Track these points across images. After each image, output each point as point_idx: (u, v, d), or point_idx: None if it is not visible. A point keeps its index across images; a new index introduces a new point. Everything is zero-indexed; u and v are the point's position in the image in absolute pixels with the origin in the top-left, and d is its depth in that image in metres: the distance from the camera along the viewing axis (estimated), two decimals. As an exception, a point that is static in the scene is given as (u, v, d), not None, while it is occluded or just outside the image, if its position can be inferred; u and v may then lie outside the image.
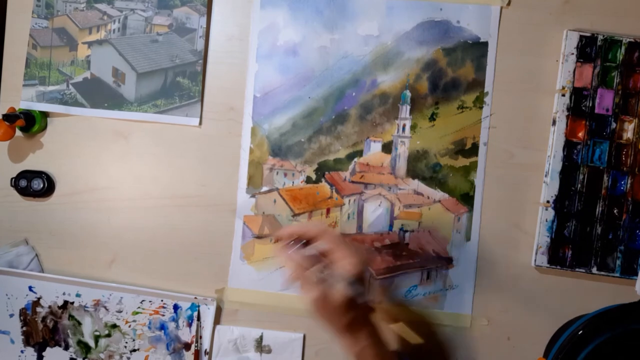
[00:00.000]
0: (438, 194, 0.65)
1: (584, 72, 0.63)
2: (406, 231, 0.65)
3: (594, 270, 0.62)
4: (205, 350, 0.65)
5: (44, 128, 0.68)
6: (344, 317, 0.50)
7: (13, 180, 0.67)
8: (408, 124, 0.65)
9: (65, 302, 0.67)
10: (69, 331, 0.67)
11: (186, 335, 0.66)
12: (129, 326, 0.66)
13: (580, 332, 0.56)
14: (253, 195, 0.66)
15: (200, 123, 0.66)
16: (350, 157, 0.65)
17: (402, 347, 0.61)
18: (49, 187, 0.67)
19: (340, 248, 0.51)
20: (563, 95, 0.63)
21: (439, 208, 0.65)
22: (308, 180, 0.66)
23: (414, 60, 0.65)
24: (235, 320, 0.66)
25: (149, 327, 0.66)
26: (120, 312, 0.66)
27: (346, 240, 0.52)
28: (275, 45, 0.66)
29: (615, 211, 0.62)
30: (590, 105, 0.62)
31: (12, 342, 0.67)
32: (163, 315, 0.66)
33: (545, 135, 0.64)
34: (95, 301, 0.66)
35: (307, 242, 0.53)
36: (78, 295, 0.66)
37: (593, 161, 0.63)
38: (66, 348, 0.67)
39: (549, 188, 0.63)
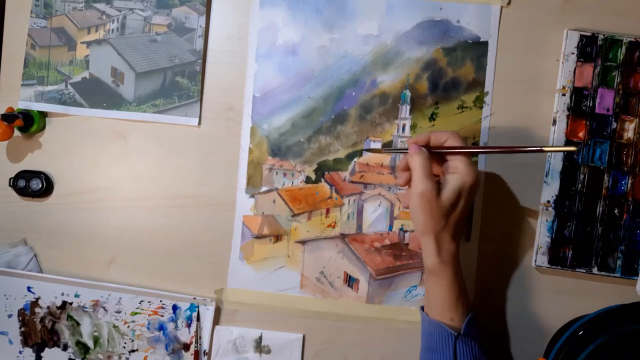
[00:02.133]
0: (438, 194, 0.64)
1: (584, 71, 0.62)
2: (406, 231, 0.65)
3: (595, 270, 0.62)
4: (205, 350, 0.65)
5: (42, 128, 0.67)
6: (438, 221, 0.52)
7: (11, 180, 0.67)
8: (408, 123, 0.65)
9: (64, 303, 0.66)
10: (67, 332, 0.67)
11: (185, 335, 0.65)
12: (128, 327, 0.66)
13: (581, 332, 0.56)
14: (252, 196, 0.66)
15: (200, 123, 0.66)
16: (350, 157, 0.65)
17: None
18: (48, 187, 0.67)
19: (464, 157, 0.53)
20: (563, 94, 0.62)
21: (439, 208, 0.64)
22: (307, 180, 0.65)
23: (414, 59, 0.64)
24: (235, 321, 0.66)
25: (148, 328, 0.66)
26: (119, 312, 0.66)
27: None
28: (275, 45, 0.66)
29: (615, 211, 0.62)
30: (591, 105, 0.62)
31: (11, 342, 0.67)
32: (162, 316, 0.66)
33: (545, 135, 0.64)
34: (94, 302, 0.66)
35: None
36: (77, 296, 0.66)
37: (593, 161, 0.62)
38: (65, 349, 0.67)
39: (549, 188, 0.62)
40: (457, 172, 0.53)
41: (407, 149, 0.56)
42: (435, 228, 0.53)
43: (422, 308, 0.57)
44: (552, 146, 0.51)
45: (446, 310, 0.54)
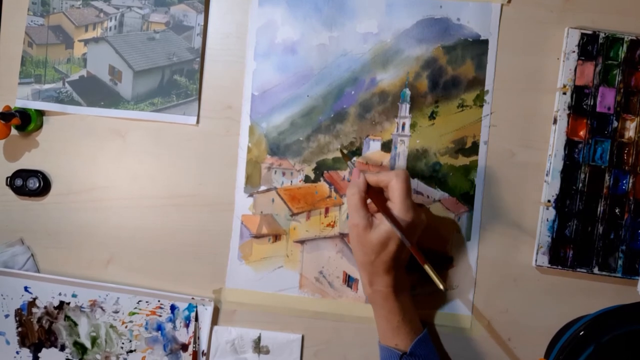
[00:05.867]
0: (438, 193, 0.64)
1: (585, 70, 0.62)
2: (406, 231, 0.64)
3: (596, 270, 0.62)
4: (203, 351, 0.65)
5: (39, 127, 0.67)
6: (368, 255, 0.55)
7: (8, 179, 0.66)
8: (408, 122, 0.64)
9: (61, 303, 0.66)
10: (65, 332, 0.66)
11: (183, 336, 0.65)
12: (126, 327, 0.66)
13: (582, 332, 0.56)
14: (251, 195, 0.65)
15: (198, 122, 0.66)
16: (350, 155, 0.65)
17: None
18: (45, 187, 0.66)
19: (401, 193, 0.54)
20: (564, 93, 0.62)
21: (439, 207, 0.64)
22: (306, 179, 0.65)
23: (414, 58, 0.64)
24: (233, 321, 0.65)
25: (146, 328, 0.65)
26: (116, 312, 0.66)
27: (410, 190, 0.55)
28: (274, 43, 0.65)
29: (616, 211, 0.62)
30: (592, 103, 0.62)
31: (8, 343, 0.67)
32: (160, 316, 0.65)
33: (546, 134, 0.63)
34: (91, 302, 0.66)
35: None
36: (74, 296, 0.66)
37: (594, 160, 0.62)
38: (62, 349, 0.66)
39: (550, 187, 0.62)
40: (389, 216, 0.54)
41: (350, 159, 0.61)
42: (365, 260, 0.55)
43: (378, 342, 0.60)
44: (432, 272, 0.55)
45: (389, 337, 0.57)
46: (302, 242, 0.65)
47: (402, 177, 0.54)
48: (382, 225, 0.54)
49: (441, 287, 0.53)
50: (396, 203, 0.54)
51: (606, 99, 0.62)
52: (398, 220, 0.53)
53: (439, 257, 0.64)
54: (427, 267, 0.54)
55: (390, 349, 0.56)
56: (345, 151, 0.64)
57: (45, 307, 0.66)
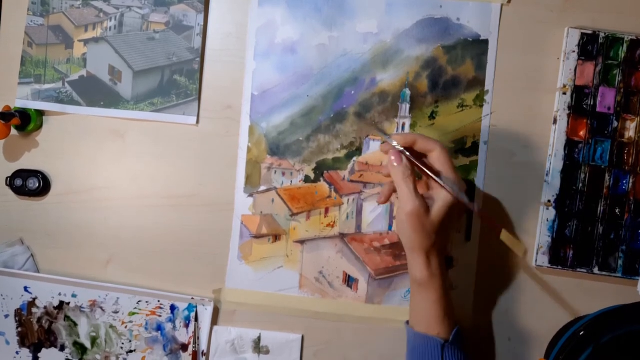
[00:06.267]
0: (438, 193, 0.64)
1: (585, 70, 0.62)
2: (406, 231, 0.64)
3: (596, 270, 0.62)
4: (203, 351, 0.65)
5: (39, 127, 0.67)
6: (429, 238, 0.51)
7: (8, 179, 0.66)
8: (408, 122, 0.64)
9: (61, 303, 0.66)
10: (64, 332, 0.66)
11: (183, 336, 0.65)
12: (126, 327, 0.66)
13: (582, 333, 0.56)
14: (251, 195, 0.65)
15: (198, 122, 0.66)
16: (349, 156, 0.65)
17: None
18: (45, 187, 0.66)
19: (450, 160, 0.52)
20: (564, 93, 0.62)
21: (439, 207, 0.64)
22: (306, 179, 0.65)
23: (414, 58, 0.64)
24: (233, 321, 0.65)
25: (146, 328, 0.65)
26: (116, 312, 0.65)
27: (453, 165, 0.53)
28: (274, 43, 0.65)
29: (617, 211, 0.62)
30: (592, 103, 0.62)
31: (8, 343, 0.67)
32: (160, 316, 0.65)
33: (546, 134, 0.63)
34: (91, 302, 0.66)
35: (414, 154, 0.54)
36: (74, 296, 0.66)
37: (595, 160, 0.62)
38: (62, 349, 0.66)
39: (550, 187, 0.62)
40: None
41: (389, 135, 0.54)
42: (425, 245, 0.52)
43: (407, 322, 0.57)
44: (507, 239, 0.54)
45: (433, 324, 0.54)
46: (302, 242, 0.65)
47: (442, 145, 0.52)
48: (439, 202, 0.51)
49: (520, 254, 0.51)
50: (449, 172, 0.52)
51: (606, 99, 0.62)
52: (455, 189, 0.51)
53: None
54: (504, 233, 0.53)
55: (431, 337, 0.53)
56: (379, 127, 0.62)
57: (45, 307, 0.66)
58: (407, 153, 0.53)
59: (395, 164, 0.52)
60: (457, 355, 0.53)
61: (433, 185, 0.53)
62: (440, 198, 0.52)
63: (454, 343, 0.53)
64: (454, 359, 0.53)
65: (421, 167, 0.52)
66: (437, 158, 0.52)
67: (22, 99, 0.67)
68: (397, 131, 0.64)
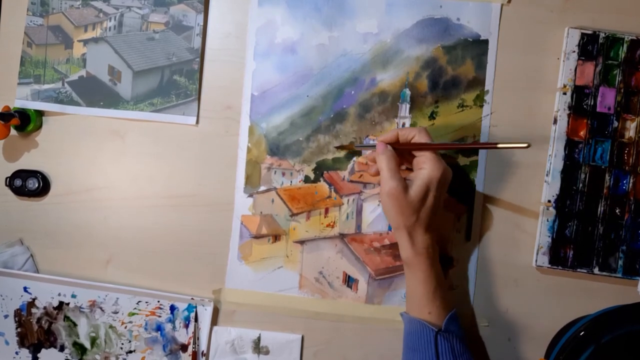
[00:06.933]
0: (438, 193, 0.64)
1: (585, 70, 0.62)
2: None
3: (596, 270, 0.61)
4: (202, 351, 0.64)
5: (39, 127, 0.67)
6: (410, 216, 0.55)
7: (8, 179, 0.66)
8: (408, 122, 0.64)
9: (61, 303, 0.66)
10: (64, 332, 0.66)
11: (183, 336, 0.65)
12: (125, 327, 0.65)
13: (582, 333, 0.56)
14: (251, 195, 0.65)
15: (197, 122, 0.66)
16: (349, 156, 0.65)
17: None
18: (44, 187, 0.66)
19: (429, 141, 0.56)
20: (564, 93, 0.62)
21: (439, 208, 0.64)
22: (306, 179, 0.65)
23: (414, 58, 0.64)
24: (233, 321, 0.65)
25: (146, 328, 0.65)
26: (116, 313, 0.65)
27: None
28: (273, 43, 0.65)
29: (617, 211, 0.62)
30: (592, 103, 0.62)
31: (7, 343, 0.67)
32: (160, 317, 0.65)
33: (546, 134, 0.63)
34: (90, 302, 0.66)
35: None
36: (73, 296, 0.66)
37: (595, 160, 0.62)
38: (61, 349, 0.66)
39: (550, 187, 0.62)
40: (423, 168, 0.55)
41: (374, 139, 0.59)
42: (407, 223, 0.55)
43: (402, 314, 0.59)
44: (507, 143, 0.53)
45: (424, 304, 0.56)
46: (301, 242, 0.65)
47: (425, 130, 0.57)
48: (417, 180, 0.55)
49: (524, 145, 0.51)
50: (428, 153, 0.55)
51: (606, 99, 0.62)
52: (436, 166, 0.55)
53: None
54: (500, 144, 0.53)
55: (424, 323, 0.54)
56: (343, 144, 0.64)
57: (45, 308, 0.66)
58: (389, 146, 0.57)
59: (380, 154, 0.57)
60: (451, 341, 0.54)
61: (417, 165, 0.56)
62: (419, 177, 0.55)
63: (447, 330, 0.54)
64: (447, 345, 0.54)
65: (406, 145, 0.57)
66: (419, 139, 0.57)
67: (21, 99, 0.67)
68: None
